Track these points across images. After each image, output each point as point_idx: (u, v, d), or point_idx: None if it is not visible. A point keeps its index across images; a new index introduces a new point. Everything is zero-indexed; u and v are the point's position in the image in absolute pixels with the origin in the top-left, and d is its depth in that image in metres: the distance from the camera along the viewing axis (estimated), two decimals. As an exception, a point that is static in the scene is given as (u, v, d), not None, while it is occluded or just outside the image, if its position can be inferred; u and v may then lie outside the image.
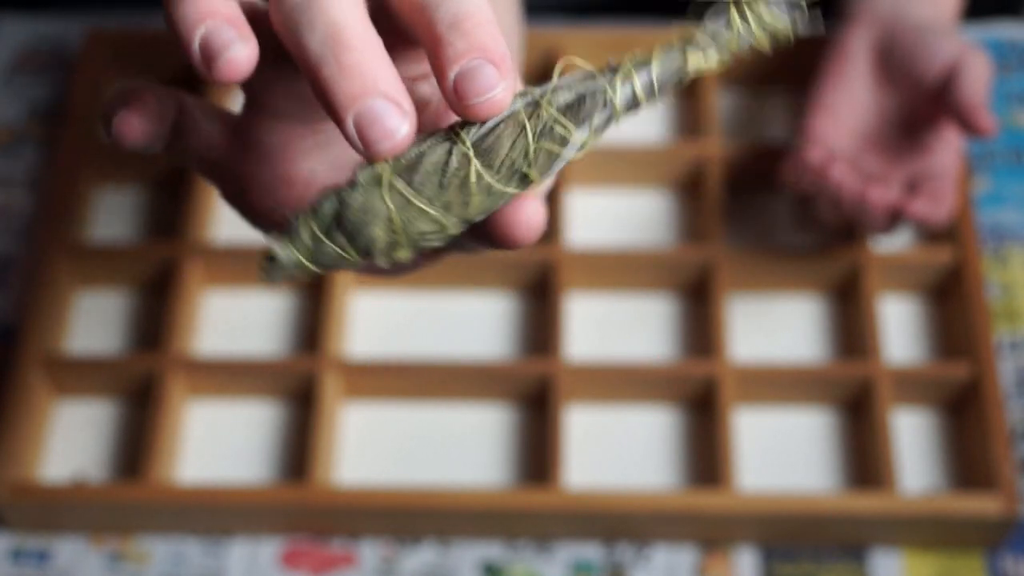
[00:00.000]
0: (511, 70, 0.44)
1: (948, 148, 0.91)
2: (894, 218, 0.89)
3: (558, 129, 0.45)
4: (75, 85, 1.03)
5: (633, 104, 0.46)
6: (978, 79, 0.88)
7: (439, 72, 0.44)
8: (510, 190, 0.45)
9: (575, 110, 0.45)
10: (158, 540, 0.91)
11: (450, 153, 0.44)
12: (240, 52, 0.45)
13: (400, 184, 0.44)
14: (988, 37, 1.09)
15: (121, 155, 1.02)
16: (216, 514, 0.89)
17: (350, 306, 0.98)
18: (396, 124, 0.43)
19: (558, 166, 0.45)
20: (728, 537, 0.90)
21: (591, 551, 0.90)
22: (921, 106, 0.91)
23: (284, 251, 0.45)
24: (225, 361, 0.94)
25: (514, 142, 0.44)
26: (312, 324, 0.97)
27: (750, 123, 1.06)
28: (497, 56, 0.44)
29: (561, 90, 0.45)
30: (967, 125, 0.87)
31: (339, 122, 0.44)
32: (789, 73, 1.04)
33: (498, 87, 0.44)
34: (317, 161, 0.52)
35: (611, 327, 0.97)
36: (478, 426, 0.94)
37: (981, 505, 0.87)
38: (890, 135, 0.91)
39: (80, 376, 0.94)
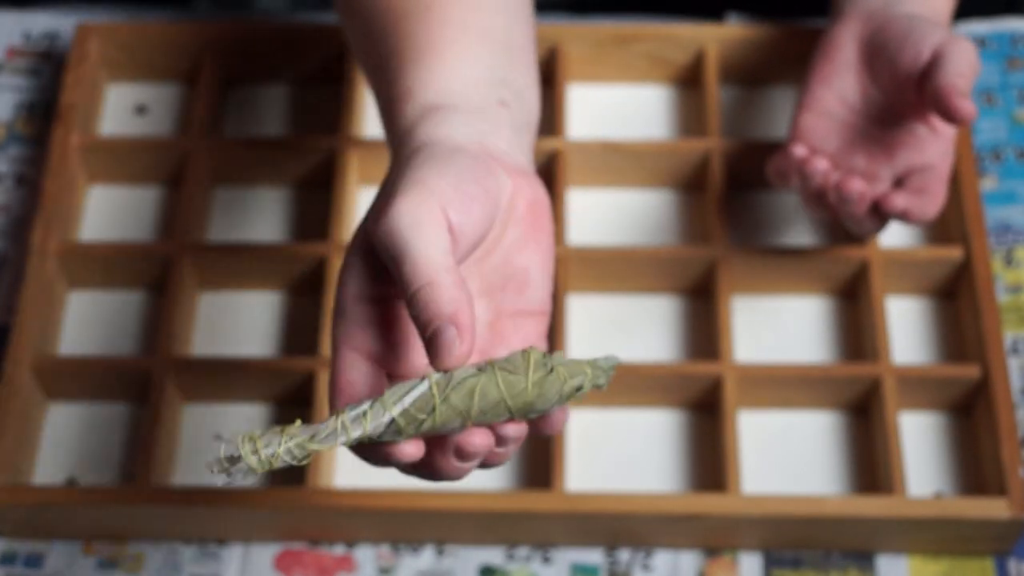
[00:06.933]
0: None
1: (938, 142, 0.89)
2: (879, 213, 0.87)
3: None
4: (66, 82, 1.02)
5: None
6: (960, 65, 0.85)
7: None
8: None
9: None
10: (151, 546, 0.90)
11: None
12: (461, 352, 0.60)
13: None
14: (993, 31, 1.08)
15: (113, 154, 1.01)
16: (211, 519, 0.88)
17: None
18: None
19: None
20: (732, 542, 0.89)
21: (593, 556, 0.89)
22: (909, 98, 0.89)
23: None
24: (220, 363, 0.93)
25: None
26: (309, 326, 0.96)
27: (754, 120, 1.05)
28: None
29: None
30: (942, 110, 0.84)
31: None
32: (793, 70, 1.03)
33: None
34: (369, 324, 0.63)
35: (613, 328, 0.96)
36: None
37: (991, 510, 0.85)
38: (879, 130, 0.90)
39: (72, 379, 0.93)
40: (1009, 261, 0.99)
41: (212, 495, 0.87)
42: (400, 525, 0.88)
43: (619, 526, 0.88)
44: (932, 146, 0.89)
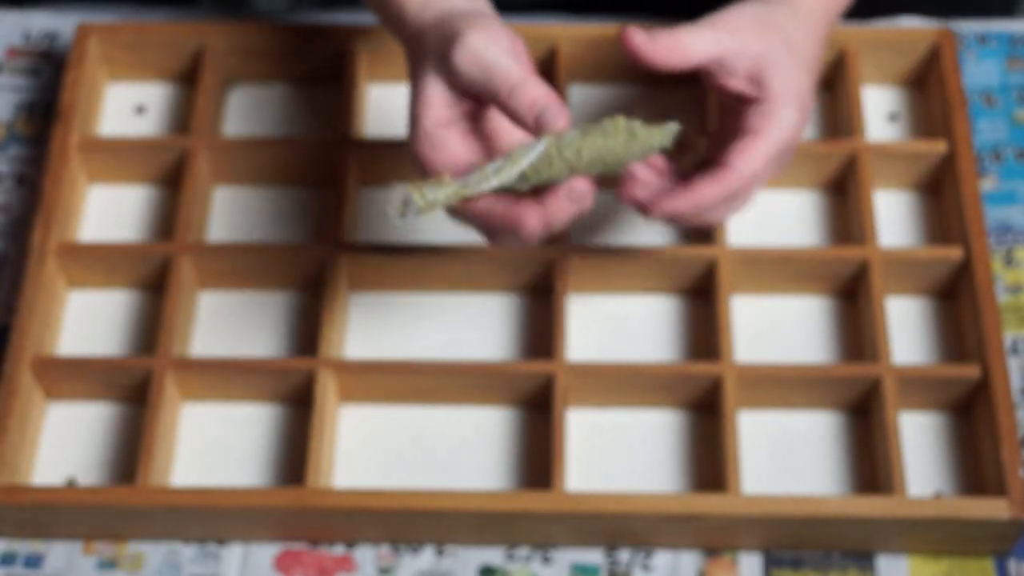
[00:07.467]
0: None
1: (758, 108, 0.85)
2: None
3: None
4: (66, 81, 1.02)
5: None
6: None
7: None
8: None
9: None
10: (151, 545, 0.89)
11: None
12: (565, 122, 0.77)
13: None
14: (993, 31, 1.08)
15: (113, 153, 1.01)
16: (211, 519, 0.88)
17: (348, 307, 0.96)
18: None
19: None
20: (732, 542, 0.88)
21: (593, 556, 0.89)
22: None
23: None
24: (220, 363, 0.93)
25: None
26: (309, 326, 0.96)
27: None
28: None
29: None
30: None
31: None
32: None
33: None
34: (459, 141, 0.79)
35: (613, 329, 0.96)
36: (478, 429, 0.93)
37: (991, 510, 0.85)
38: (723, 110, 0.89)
39: (72, 378, 0.93)
40: (1009, 261, 0.99)
41: (212, 495, 0.87)
42: (400, 525, 0.88)
43: (619, 526, 0.88)
44: (749, 111, 0.85)
